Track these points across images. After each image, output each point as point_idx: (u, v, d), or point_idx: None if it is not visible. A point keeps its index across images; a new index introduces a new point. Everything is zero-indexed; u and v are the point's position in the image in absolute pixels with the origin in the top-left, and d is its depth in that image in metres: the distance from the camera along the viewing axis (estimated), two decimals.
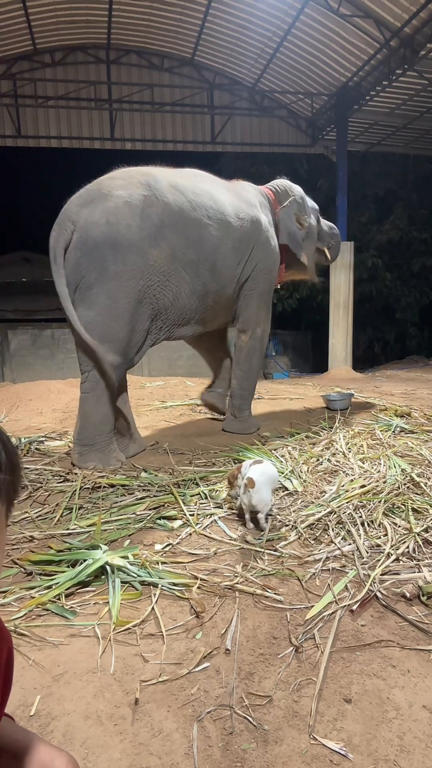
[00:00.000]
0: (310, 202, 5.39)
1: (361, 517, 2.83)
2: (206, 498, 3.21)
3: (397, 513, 2.89)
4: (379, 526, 2.74)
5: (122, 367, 3.90)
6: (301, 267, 5.26)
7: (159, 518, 2.91)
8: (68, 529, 2.80)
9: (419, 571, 2.31)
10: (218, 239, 4.17)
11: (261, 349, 4.98)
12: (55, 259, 3.66)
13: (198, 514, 2.96)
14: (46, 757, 0.94)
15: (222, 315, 4.64)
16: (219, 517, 2.94)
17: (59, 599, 2.14)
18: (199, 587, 2.19)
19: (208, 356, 5.45)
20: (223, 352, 5.36)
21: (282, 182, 5.22)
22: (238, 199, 4.54)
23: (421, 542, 2.55)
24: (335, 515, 2.87)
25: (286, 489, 3.29)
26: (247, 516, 2.75)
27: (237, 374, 4.96)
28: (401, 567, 2.36)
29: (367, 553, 2.48)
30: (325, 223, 5.76)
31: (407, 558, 2.44)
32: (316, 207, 5.50)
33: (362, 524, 2.75)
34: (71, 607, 2.10)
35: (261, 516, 2.72)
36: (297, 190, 5.23)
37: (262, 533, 2.70)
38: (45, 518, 3.00)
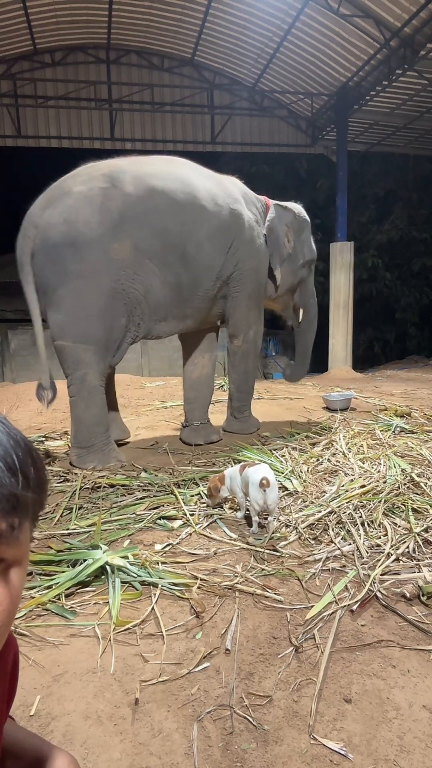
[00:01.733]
0: (311, 248, 5.02)
1: (361, 517, 2.83)
2: (206, 498, 3.21)
3: (397, 513, 2.89)
4: (379, 526, 2.74)
5: (104, 366, 3.83)
6: (272, 287, 4.80)
7: (159, 518, 2.91)
8: (68, 529, 2.80)
9: (419, 571, 2.31)
10: (188, 225, 3.89)
11: (255, 351, 4.83)
12: (22, 267, 3.68)
13: (198, 514, 2.96)
14: (46, 757, 0.94)
15: (204, 311, 4.30)
16: (219, 517, 2.94)
17: (59, 599, 2.14)
18: (199, 587, 2.19)
19: (188, 366, 4.84)
20: (201, 369, 4.76)
21: (292, 204, 4.95)
22: (218, 187, 4.22)
23: (421, 542, 2.55)
24: (335, 515, 2.87)
25: (286, 489, 3.29)
26: (255, 518, 2.74)
27: (233, 378, 4.86)
28: (401, 567, 2.36)
29: (367, 553, 2.48)
30: (311, 286, 5.20)
31: (407, 558, 2.44)
32: (315, 256, 5.09)
33: (362, 524, 2.75)
34: (71, 607, 2.10)
35: (271, 518, 2.72)
36: (303, 214, 4.93)
37: (263, 534, 2.70)
38: (45, 518, 3.00)
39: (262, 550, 2.54)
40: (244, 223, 4.33)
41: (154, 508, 3.04)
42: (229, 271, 4.30)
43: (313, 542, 2.63)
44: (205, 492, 3.18)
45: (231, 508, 3.06)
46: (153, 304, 3.86)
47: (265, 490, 2.61)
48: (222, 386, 7.51)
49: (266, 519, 2.73)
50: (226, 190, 4.30)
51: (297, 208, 4.96)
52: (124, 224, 3.61)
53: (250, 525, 2.79)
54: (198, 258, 3.98)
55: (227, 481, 2.96)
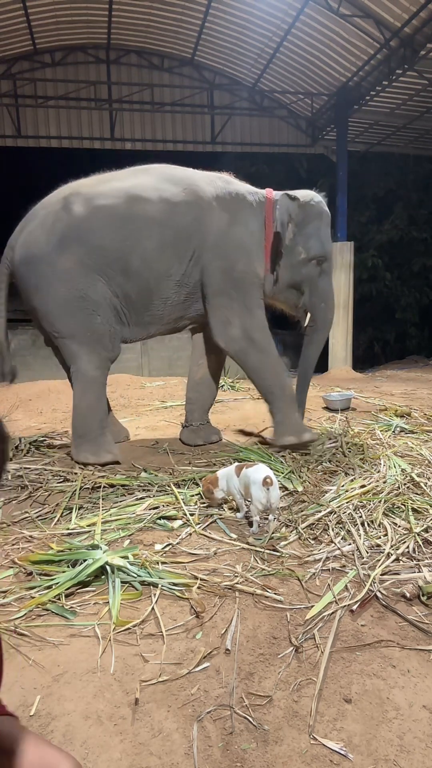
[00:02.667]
0: (320, 243, 4.39)
1: (361, 517, 2.83)
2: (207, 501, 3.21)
3: (397, 513, 2.89)
4: (379, 526, 2.74)
5: (97, 357, 3.98)
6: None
7: (159, 518, 2.91)
8: (68, 529, 2.80)
9: (419, 571, 2.31)
10: (130, 240, 3.91)
11: (252, 345, 4.18)
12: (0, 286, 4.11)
13: (198, 514, 2.96)
14: (47, 757, 0.95)
15: (170, 317, 4.22)
16: (219, 518, 2.94)
17: (59, 599, 2.14)
18: (199, 587, 2.19)
19: (193, 367, 4.80)
20: (204, 370, 4.70)
21: (306, 191, 4.42)
22: (183, 195, 4.03)
23: (421, 542, 2.55)
24: (335, 515, 2.87)
25: (286, 489, 3.29)
26: (256, 518, 2.73)
27: (253, 382, 4.45)
28: (401, 567, 2.36)
29: (367, 553, 2.48)
30: (324, 288, 4.69)
31: (407, 558, 2.44)
32: (325, 252, 4.47)
33: (362, 524, 2.75)
34: (71, 607, 2.10)
35: (272, 517, 2.72)
36: (312, 203, 4.34)
37: (263, 534, 2.70)
38: (45, 518, 3.00)
39: (262, 550, 2.54)
40: (210, 230, 4.10)
41: (154, 508, 3.04)
42: (195, 278, 4.15)
43: (313, 542, 2.63)
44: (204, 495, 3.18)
45: (231, 509, 3.06)
46: (113, 310, 4.04)
47: (268, 489, 2.61)
48: (222, 386, 7.50)
49: (266, 519, 2.73)
50: (195, 195, 4.06)
51: (306, 196, 4.36)
52: (66, 243, 3.88)
53: (250, 525, 2.79)
54: (145, 270, 3.98)
55: (222, 483, 2.96)
